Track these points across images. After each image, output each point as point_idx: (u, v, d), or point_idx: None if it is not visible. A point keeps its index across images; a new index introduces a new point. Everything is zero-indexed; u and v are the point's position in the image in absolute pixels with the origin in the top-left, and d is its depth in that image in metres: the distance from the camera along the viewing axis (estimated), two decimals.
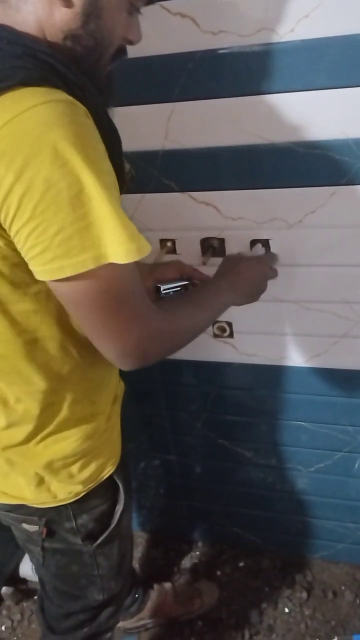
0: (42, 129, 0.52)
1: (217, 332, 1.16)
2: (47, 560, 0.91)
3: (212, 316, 0.81)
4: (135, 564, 1.60)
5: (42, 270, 0.56)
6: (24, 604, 1.54)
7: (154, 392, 1.32)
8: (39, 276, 0.58)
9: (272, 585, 1.51)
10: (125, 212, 0.58)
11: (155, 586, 1.43)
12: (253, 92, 0.87)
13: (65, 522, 0.85)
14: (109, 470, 0.86)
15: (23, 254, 0.57)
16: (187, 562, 1.61)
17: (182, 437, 1.40)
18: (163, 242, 1.07)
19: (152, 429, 1.41)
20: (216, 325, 1.16)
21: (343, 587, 1.48)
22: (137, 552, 1.64)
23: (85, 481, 0.82)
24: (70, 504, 0.83)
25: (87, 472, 0.82)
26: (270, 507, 1.45)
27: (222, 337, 1.17)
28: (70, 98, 0.55)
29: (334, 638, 1.38)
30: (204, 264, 1.04)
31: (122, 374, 0.99)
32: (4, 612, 1.53)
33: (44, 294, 0.65)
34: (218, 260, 0.95)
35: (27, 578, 1.56)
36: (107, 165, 0.58)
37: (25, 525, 0.87)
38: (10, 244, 0.58)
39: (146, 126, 0.95)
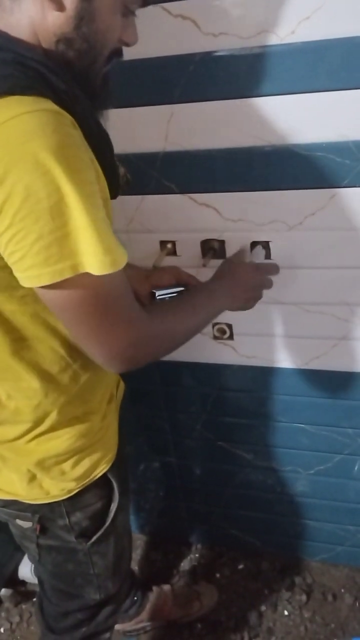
0: (25, 138, 0.52)
1: (217, 334, 1.16)
2: (43, 557, 0.92)
3: (205, 319, 0.81)
4: (135, 566, 1.60)
5: (22, 277, 0.58)
6: (23, 606, 1.53)
7: (153, 393, 1.32)
8: (22, 282, 0.58)
9: (271, 588, 1.50)
10: (106, 221, 0.58)
11: (154, 588, 1.42)
12: (253, 94, 0.87)
13: (58, 519, 0.85)
14: (102, 469, 0.86)
15: (5, 259, 0.58)
16: (186, 565, 1.60)
17: (181, 439, 1.39)
18: (163, 244, 1.07)
19: (151, 431, 1.40)
20: (216, 327, 1.15)
21: (343, 590, 1.48)
22: (136, 554, 1.63)
23: (78, 478, 0.83)
24: (63, 501, 0.83)
25: (80, 470, 0.82)
26: (270, 509, 1.44)
27: (222, 339, 1.17)
28: (56, 108, 0.56)
29: None
30: (204, 265, 1.04)
31: (122, 375, 0.99)
32: (3, 614, 1.53)
33: (31, 297, 0.65)
34: (218, 262, 0.95)
35: (26, 580, 1.56)
36: (91, 175, 0.58)
37: (19, 522, 0.88)
38: None
39: (146, 128, 0.95)
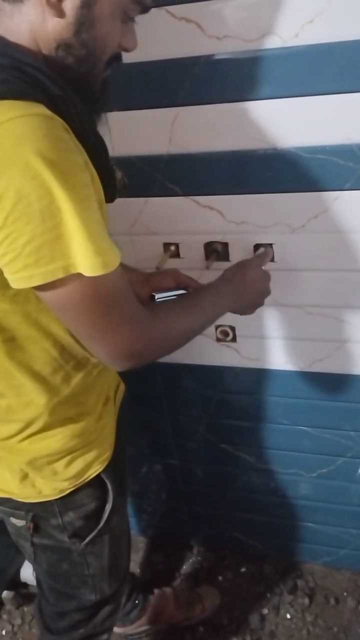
0: (16, 142, 0.53)
1: (220, 336, 1.16)
2: (38, 556, 0.92)
3: (209, 319, 0.81)
4: (136, 569, 1.60)
5: (14, 278, 0.58)
6: (25, 609, 1.53)
7: (156, 395, 1.32)
8: (12, 284, 0.59)
9: (273, 591, 1.50)
10: (100, 223, 0.59)
11: (156, 591, 1.42)
12: (257, 97, 0.88)
13: (51, 519, 0.86)
14: (96, 470, 0.86)
15: None
16: (188, 567, 1.60)
17: (184, 442, 1.39)
18: (167, 246, 1.07)
19: (154, 433, 1.40)
20: (219, 330, 1.15)
21: (345, 594, 1.48)
22: (138, 557, 1.63)
23: (70, 478, 0.83)
24: (55, 500, 0.84)
25: (72, 470, 0.83)
26: (273, 512, 1.44)
27: (225, 341, 1.17)
28: (48, 112, 0.57)
29: None
30: (207, 268, 1.04)
31: (124, 377, 0.99)
32: (5, 616, 1.53)
33: (22, 297, 0.66)
34: (221, 265, 0.95)
35: (28, 582, 1.56)
36: (85, 178, 0.59)
37: (13, 520, 0.88)
38: None
39: (150, 130, 0.95)
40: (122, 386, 0.98)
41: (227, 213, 1.00)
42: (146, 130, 0.96)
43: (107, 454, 0.88)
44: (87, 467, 0.84)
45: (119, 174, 1.01)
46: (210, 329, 1.13)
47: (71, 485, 0.83)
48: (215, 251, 1.04)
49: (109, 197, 0.71)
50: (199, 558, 1.62)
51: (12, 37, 0.61)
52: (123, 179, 1.01)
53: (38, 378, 0.74)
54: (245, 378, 1.21)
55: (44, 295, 0.61)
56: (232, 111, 0.90)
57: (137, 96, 0.93)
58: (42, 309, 0.68)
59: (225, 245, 1.04)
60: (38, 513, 0.85)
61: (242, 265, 0.91)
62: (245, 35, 0.83)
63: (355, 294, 1.03)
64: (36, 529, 0.87)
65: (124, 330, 0.65)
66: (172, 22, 0.85)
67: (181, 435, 1.38)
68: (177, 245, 1.07)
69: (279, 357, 1.16)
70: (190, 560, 1.62)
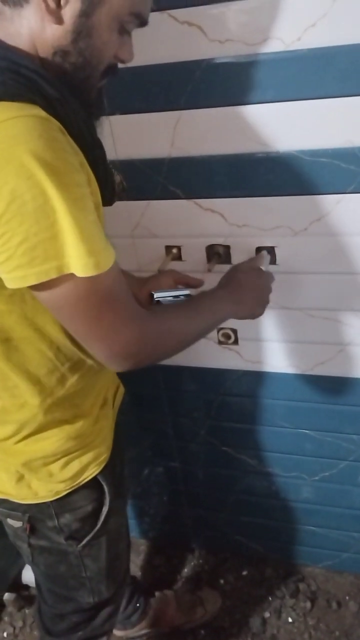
0: (11, 143, 0.54)
1: (221, 339, 1.16)
2: (36, 558, 0.92)
3: (208, 325, 0.81)
4: (138, 572, 1.60)
5: (8, 277, 0.59)
6: (26, 611, 1.53)
7: (157, 398, 1.32)
8: (7, 283, 0.60)
9: (275, 595, 1.49)
10: (95, 223, 0.59)
11: (157, 594, 1.42)
12: (259, 101, 0.88)
13: (47, 520, 0.86)
14: (93, 472, 0.86)
15: None
16: (189, 570, 1.60)
17: (185, 444, 1.39)
18: (169, 249, 1.07)
19: (155, 435, 1.40)
20: (221, 332, 1.15)
21: (347, 597, 1.47)
22: (139, 560, 1.63)
23: (66, 480, 0.83)
24: (51, 502, 0.84)
25: (68, 472, 0.83)
26: (274, 515, 1.44)
27: (226, 344, 1.17)
28: (43, 114, 0.57)
29: None
30: (209, 270, 1.04)
31: (126, 380, 0.99)
32: (6, 618, 1.53)
33: (18, 297, 0.66)
34: (223, 267, 0.95)
35: (30, 584, 1.56)
36: (80, 178, 0.59)
37: (10, 521, 0.89)
38: None
39: (153, 134, 0.96)
40: (122, 389, 0.98)
41: (229, 216, 1.00)
42: (148, 134, 0.96)
43: (104, 457, 0.88)
44: (83, 469, 0.85)
45: (118, 177, 1.01)
46: (212, 332, 1.13)
47: (67, 487, 0.84)
48: (217, 254, 1.04)
49: (107, 200, 0.71)
50: (201, 561, 1.62)
51: (11, 41, 0.62)
52: (122, 183, 1.01)
53: (33, 379, 0.74)
54: (247, 381, 1.21)
55: (40, 295, 0.62)
56: (234, 114, 0.90)
57: (140, 99, 0.93)
58: (38, 310, 0.68)
59: (227, 248, 1.04)
60: (34, 514, 0.86)
61: (234, 269, 0.92)
62: (247, 39, 0.83)
63: (358, 297, 1.03)
64: (33, 530, 0.87)
65: (121, 330, 0.65)
66: (175, 25, 0.85)
67: (183, 437, 1.38)
68: (179, 248, 1.07)
69: (280, 360, 1.16)
70: (192, 563, 1.61)
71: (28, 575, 1.54)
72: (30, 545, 0.90)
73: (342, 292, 1.03)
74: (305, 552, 1.50)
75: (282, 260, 1.02)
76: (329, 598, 1.47)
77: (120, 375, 0.97)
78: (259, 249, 1.02)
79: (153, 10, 0.70)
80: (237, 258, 1.04)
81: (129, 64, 0.71)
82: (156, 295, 0.86)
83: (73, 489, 0.84)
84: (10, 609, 1.54)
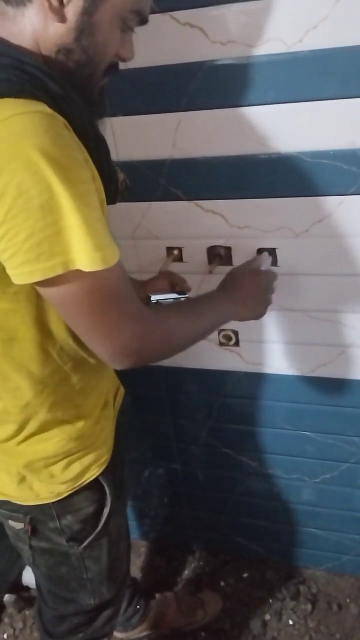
0: (17, 139, 0.54)
1: (223, 340, 1.16)
2: (37, 560, 0.92)
3: (209, 326, 0.81)
4: (138, 574, 1.59)
5: (15, 274, 0.59)
6: (27, 612, 1.53)
7: (158, 400, 1.32)
8: (14, 279, 0.59)
9: (276, 597, 1.49)
10: (101, 220, 0.59)
11: (158, 596, 1.42)
12: (261, 102, 0.88)
13: (49, 522, 0.86)
14: (94, 473, 0.86)
15: None
16: (190, 572, 1.60)
17: (186, 446, 1.39)
18: (170, 250, 1.07)
19: (156, 437, 1.40)
20: (222, 334, 1.15)
21: (348, 600, 1.47)
22: (140, 562, 1.63)
23: (68, 482, 0.83)
24: (53, 503, 0.84)
25: (70, 474, 0.83)
26: (275, 517, 1.44)
27: (228, 345, 1.17)
28: (49, 110, 0.57)
29: None
30: (210, 272, 1.04)
31: (127, 381, 0.99)
32: (7, 620, 1.53)
33: (24, 295, 0.66)
34: (225, 269, 0.95)
35: (30, 586, 1.55)
36: (86, 174, 0.59)
37: (11, 523, 0.88)
38: None
39: (154, 135, 0.96)
40: (122, 391, 0.98)
41: (231, 217, 1.00)
42: (150, 135, 0.96)
43: (105, 458, 0.88)
44: (85, 470, 0.84)
45: (121, 176, 1.01)
46: (213, 334, 1.13)
47: (69, 489, 0.83)
48: (219, 255, 1.04)
49: (111, 197, 0.71)
50: (201, 563, 1.61)
51: (15, 40, 0.63)
52: (126, 181, 1.01)
53: (35, 379, 0.74)
54: (248, 383, 1.21)
55: (45, 291, 0.62)
56: (236, 116, 0.90)
57: (141, 101, 0.93)
58: (43, 310, 0.68)
59: (229, 249, 1.04)
60: (36, 516, 0.86)
61: (232, 273, 0.92)
62: (249, 41, 0.84)
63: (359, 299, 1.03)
64: (34, 532, 0.87)
65: (125, 327, 0.65)
66: (177, 27, 0.85)
67: (184, 439, 1.38)
68: (180, 249, 1.07)
69: (282, 362, 1.16)
70: (193, 565, 1.61)
71: (29, 577, 1.54)
72: (31, 547, 0.90)
73: (343, 294, 1.03)
74: (307, 554, 1.50)
75: (284, 261, 1.02)
76: (330, 601, 1.47)
77: (121, 376, 0.97)
78: (260, 251, 1.02)
79: (155, 12, 0.70)
80: (238, 260, 1.04)
81: (131, 66, 0.71)
82: (153, 297, 0.86)
83: (75, 490, 0.84)
84: (10, 610, 1.54)
